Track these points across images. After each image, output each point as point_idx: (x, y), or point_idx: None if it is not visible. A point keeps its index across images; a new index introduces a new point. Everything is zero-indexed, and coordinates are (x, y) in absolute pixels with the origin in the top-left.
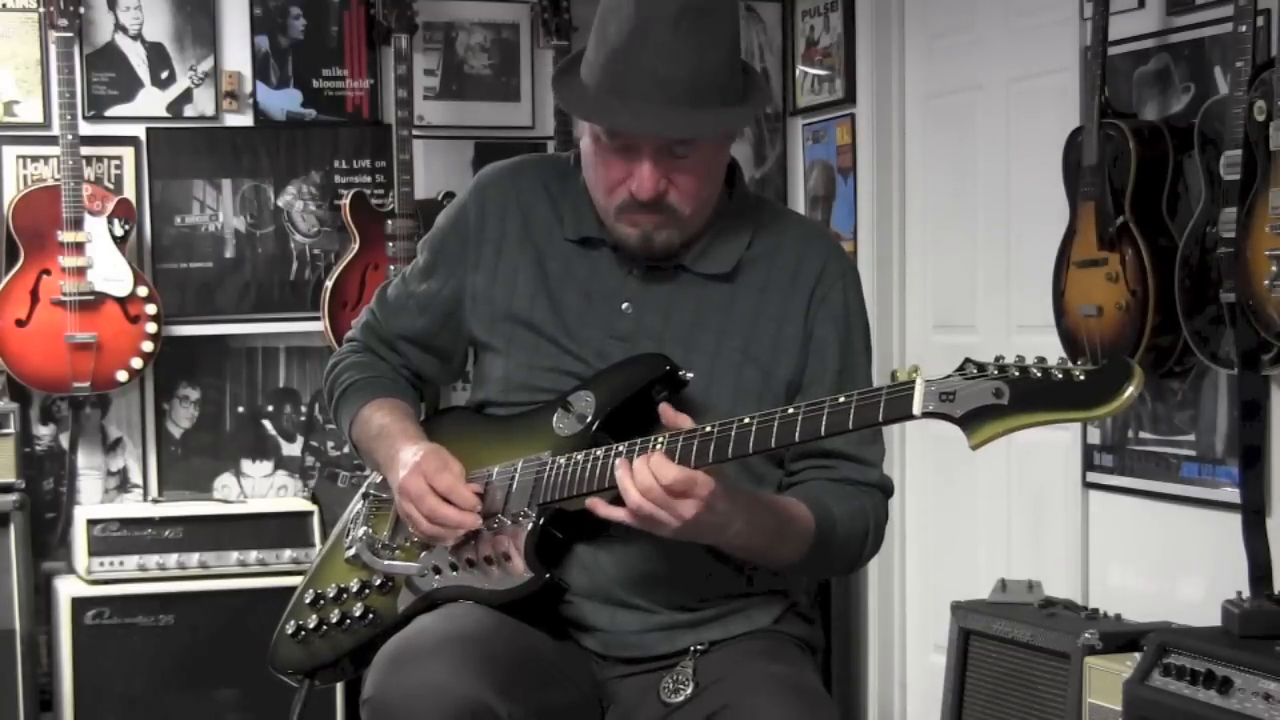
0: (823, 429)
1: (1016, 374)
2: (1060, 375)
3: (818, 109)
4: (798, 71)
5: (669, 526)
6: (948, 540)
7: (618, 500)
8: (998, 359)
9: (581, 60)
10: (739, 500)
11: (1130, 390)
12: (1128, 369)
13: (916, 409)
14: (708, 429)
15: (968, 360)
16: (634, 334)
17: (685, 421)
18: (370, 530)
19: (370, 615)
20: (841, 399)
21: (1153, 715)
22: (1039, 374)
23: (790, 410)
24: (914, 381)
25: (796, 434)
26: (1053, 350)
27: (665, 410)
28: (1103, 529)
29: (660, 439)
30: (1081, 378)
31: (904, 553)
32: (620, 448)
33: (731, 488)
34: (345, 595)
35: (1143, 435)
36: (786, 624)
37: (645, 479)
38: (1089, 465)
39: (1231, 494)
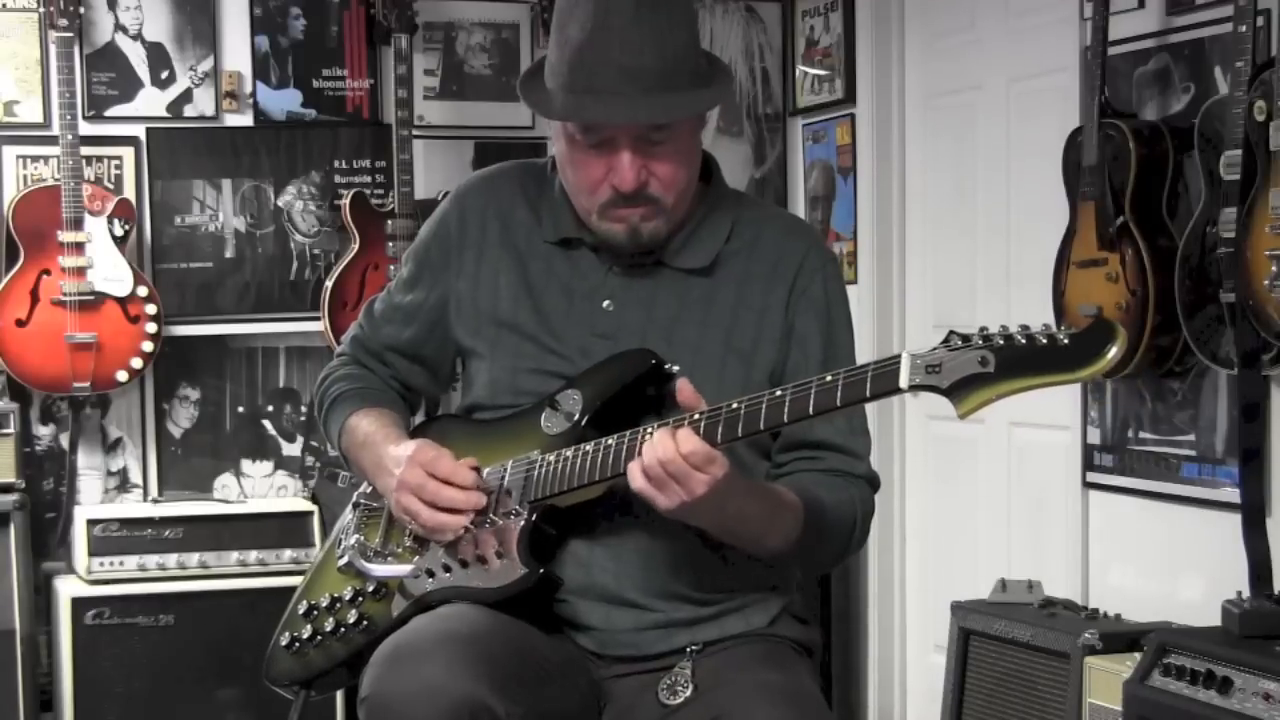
0: (810, 408)
1: (1001, 342)
2: (1044, 340)
3: (818, 109)
4: (798, 71)
5: (675, 498)
6: (948, 540)
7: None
8: (982, 329)
9: (544, 68)
10: (738, 486)
11: (1113, 351)
12: (1111, 330)
13: (903, 382)
14: (695, 416)
15: (952, 332)
16: (616, 331)
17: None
18: (362, 538)
19: (364, 622)
20: (828, 377)
21: (1153, 715)
22: (1023, 340)
23: (778, 392)
24: (899, 356)
25: (785, 415)
26: None
27: (683, 387)
28: (1103, 529)
29: (649, 429)
30: (1065, 341)
31: (904, 553)
32: (609, 441)
33: (734, 473)
34: (339, 604)
35: (1143, 435)
36: (783, 626)
37: (667, 448)
38: (1089, 465)
39: (1231, 494)
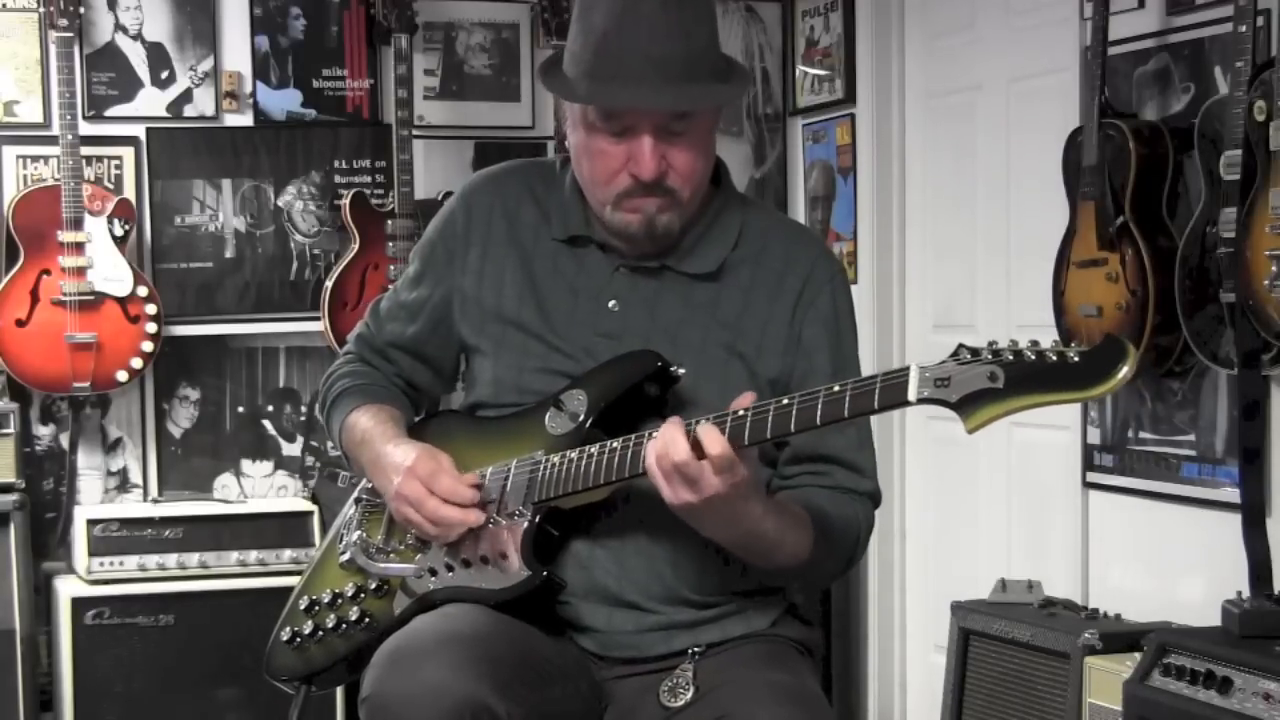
0: (818, 419)
1: (1011, 357)
2: (1055, 357)
3: (818, 109)
4: (798, 71)
5: (686, 498)
6: (948, 540)
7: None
8: (991, 343)
9: (563, 57)
10: (756, 498)
11: (1125, 370)
12: (1122, 349)
13: (912, 395)
14: (698, 421)
15: (961, 345)
16: (620, 331)
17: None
18: (364, 534)
19: (366, 619)
20: (836, 388)
21: (1153, 715)
22: (1033, 356)
23: (784, 401)
24: (908, 368)
25: (792, 425)
26: None
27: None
28: (1103, 529)
29: (653, 432)
30: (1076, 359)
31: (904, 553)
32: (614, 444)
33: (753, 487)
34: (340, 600)
35: (1143, 435)
36: (784, 627)
37: (680, 448)
38: (1089, 465)
39: (1231, 494)
